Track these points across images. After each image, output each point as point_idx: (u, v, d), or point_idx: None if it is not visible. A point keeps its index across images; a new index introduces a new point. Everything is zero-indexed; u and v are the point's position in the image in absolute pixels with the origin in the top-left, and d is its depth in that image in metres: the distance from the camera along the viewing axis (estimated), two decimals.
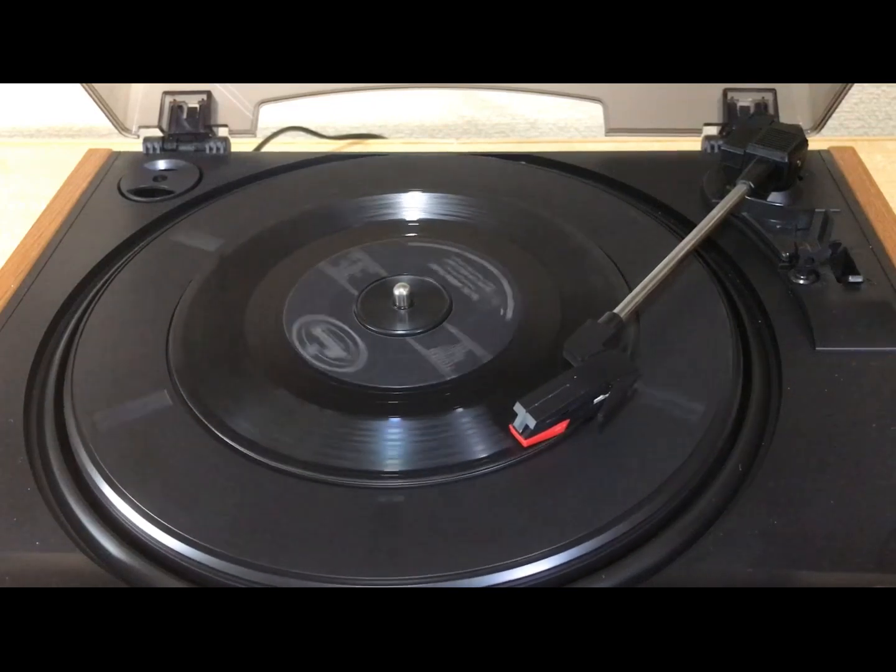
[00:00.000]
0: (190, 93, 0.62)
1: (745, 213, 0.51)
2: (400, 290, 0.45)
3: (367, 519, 0.35)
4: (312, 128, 0.78)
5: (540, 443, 0.38)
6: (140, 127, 0.63)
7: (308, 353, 0.44)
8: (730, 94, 0.60)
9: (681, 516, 0.35)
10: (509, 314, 0.46)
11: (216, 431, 0.39)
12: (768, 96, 0.60)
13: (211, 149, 0.62)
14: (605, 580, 0.33)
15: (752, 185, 0.50)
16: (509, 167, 0.59)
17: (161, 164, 0.61)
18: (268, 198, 0.57)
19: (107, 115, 0.61)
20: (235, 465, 0.38)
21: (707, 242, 0.49)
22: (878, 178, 0.56)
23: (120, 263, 0.51)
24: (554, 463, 0.37)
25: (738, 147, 0.52)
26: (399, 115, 0.86)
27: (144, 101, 0.63)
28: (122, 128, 0.63)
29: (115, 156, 0.62)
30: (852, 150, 0.59)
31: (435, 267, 0.49)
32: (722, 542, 0.34)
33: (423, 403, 0.41)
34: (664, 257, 0.45)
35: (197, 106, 0.62)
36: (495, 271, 0.49)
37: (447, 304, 0.46)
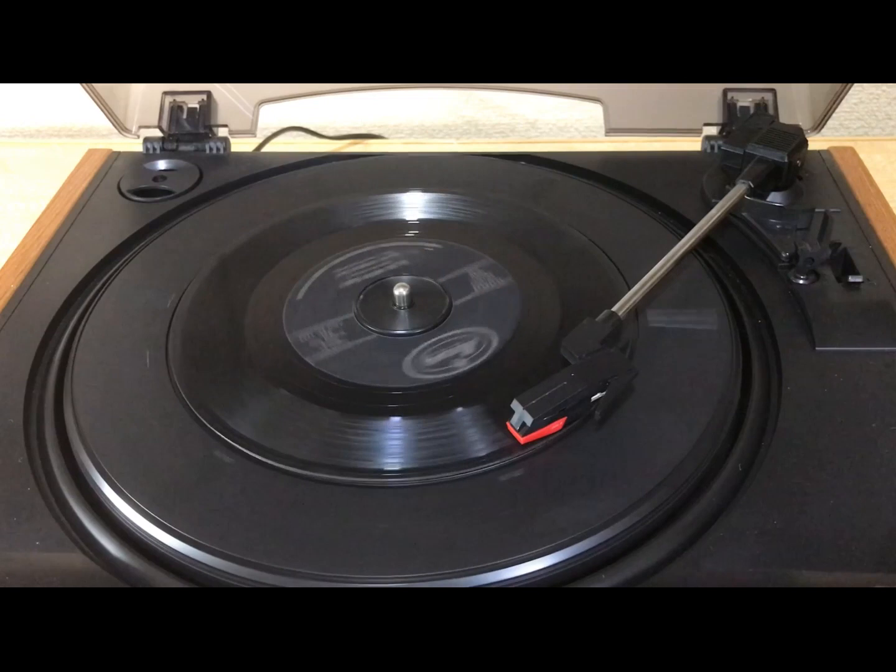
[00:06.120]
0: (190, 93, 0.62)
1: (744, 213, 0.51)
2: (400, 290, 0.45)
3: (367, 518, 0.35)
4: (312, 128, 0.78)
5: (539, 441, 0.38)
6: (140, 127, 0.63)
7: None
8: (730, 94, 0.60)
9: (681, 516, 0.35)
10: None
11: (216, 431, 0.39)
12: (768, 96, 0.60)
13: (211, 149, 0.62)
14: (605, 580, 0.33)
15: (752, 185, 0.50)
16: (509, 167, 0.59)
17: (161, 164, 0.61)
18: (268, 198, 0.57)
19: (107, 115, 0.61)
20: (235, 465, 0.38)
21: (707, 242, 0.49)
22: (878, 178, 0.56)
23: (120, 263, 0.51)
24: (553, 461, 0.37)
25: (738, 147, 0.52)
26: (399, 115, 0.86)
27: (144, 101, 0.63)
28: (122, 128, 0.63)
29: (115, 156, 0.62)
30: (852, 150, 0.59)
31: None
32: (722, 542, 0.34)
33: (423, 402, 0.41)
34: (663, 257, 0.45)
35: (197, 106, 0.62)
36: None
37: (447, 303, 0.46)
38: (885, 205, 0.53)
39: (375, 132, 0.83)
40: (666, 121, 0.62)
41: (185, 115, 0.62)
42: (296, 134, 0.77)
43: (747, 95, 0.60)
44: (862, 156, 0.59)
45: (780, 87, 0.60)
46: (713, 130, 0.61)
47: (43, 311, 0.47)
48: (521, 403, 0.37)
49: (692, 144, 0.62)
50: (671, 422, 0.39)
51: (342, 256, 0.50)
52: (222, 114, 0.63)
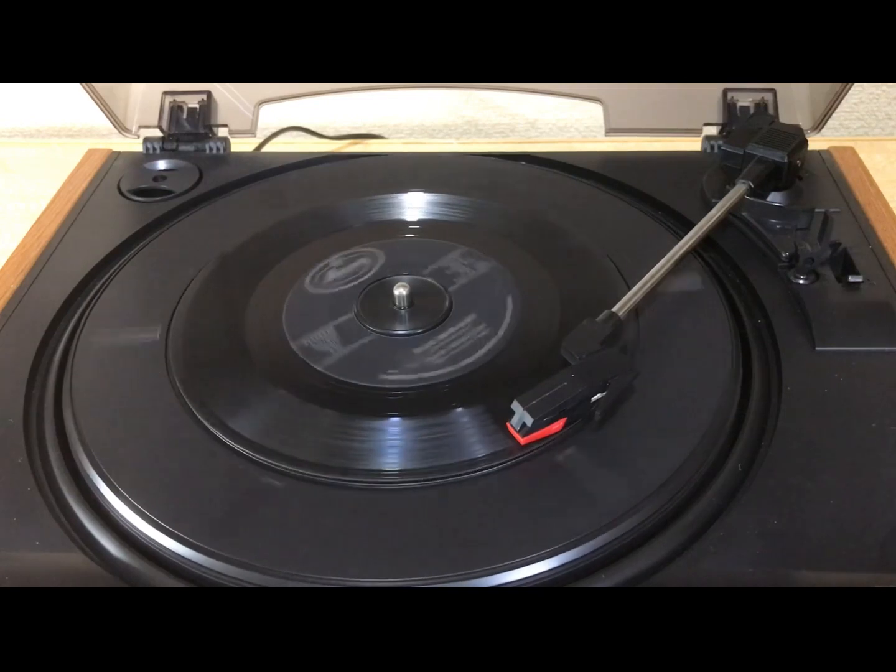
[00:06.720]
0: (190, 93, 0.62)
1: (744, 213, 0.51)
2: (400, 290, 0.45)
3: (367, 519, 0.35)
4: (312, 128, 0.78)
5: (539, 442, 0.38)
6: (140, 127, 0.63)
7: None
8: (730, 94, 0.60)
9: (681, 516, 0.35)
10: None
11: (216, 432, 0.39)
12: (768, 96, 0.60)
13: (211, 149, 0.62)
14: (605, 580, 0.33)
15: (752, 185, 0.50)
16: (509, 167, 0.59)
17: (161, 164, 0.61)
18: (268, 198, 0.57)
19: (107, 115, 0.61)
20: (235, 465, 0.38)
21: (707, 242, 0.49)
22: (878, 178, 0.56)
23: (120, 263, 0.51)
24: (553, 463, 0.37)
25: (738, 147, 0.52)
26: (399, 115, 0.86)
27: (144, 101, 0.63)
28: (122, 128, 0.63)
29: (115, 156, 0.62)
30: (852, 150, 0.59)
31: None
32: (722, 542, 0.34)
33: (423, 403, 0.40)
34: (663, 257, 0.45)
35: (197, 106, 0.62)
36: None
37: (447, 303, 0.46)
38: (885, 205, 0.53)
39: (375, 132, 0.83)
40: (666, 121, 0.62)
41: (185, 115, 0.62)
42: (296, 134, 0.77)
43: (747, 95, 0.60)
44: (862, 156, 0.59)
45: (780, 87, 0.60)
46: (713, 130, 0.61)
47: (43, 311, 0.47)
48: (522, 404, 0.37)
49: (692, 144, 0.62)
50: (671, 422, 0.39)
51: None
52: (222, 114, 0.63)
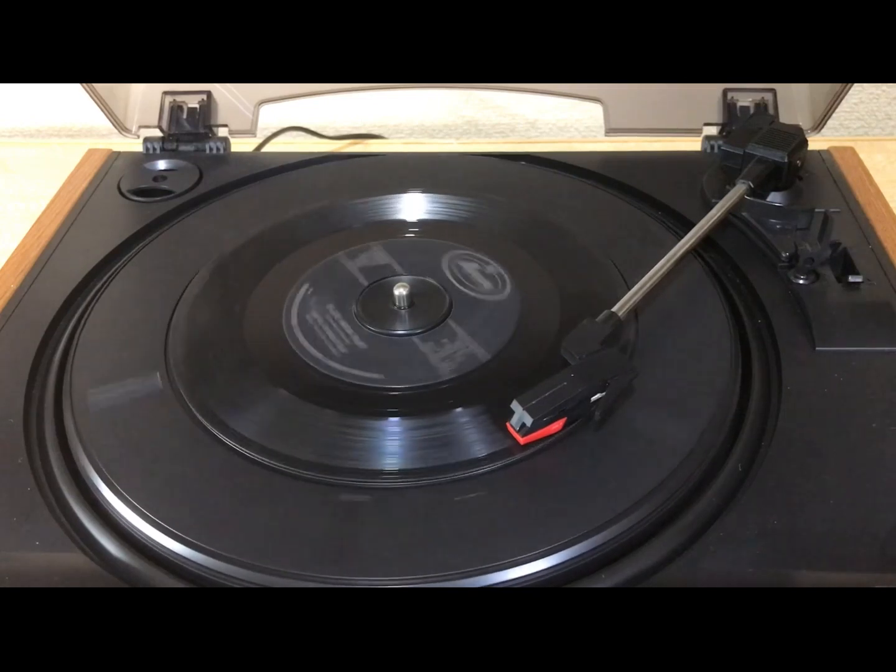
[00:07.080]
0: (190, 93, 0.62)
1: (744, 213, 0.51)
2: (400, 290, 0.45)
3: (366, 519, 0.35)
4: (312, 128, 0.78)
5: (538, 442, 0.38)
6: (140, 127, 0.63)
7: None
8: (730, 94, 0.60)
9: (681, 516, 0.35)
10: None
11: (215, 432, 0.39)
12: (768, 96, 0.60)
13: (211, 149, 0.62)
14: (605, 580, 0.33)
15: (752, 185, 0.50)
16: (509, 167, 0.59)
17: (161, 164, 0.61)
18: (268, 198, 0.57)
19: (107, 115, 0.61)
20: (234, 465, 0.38)
21: (707, 242, 0.49)
22: (878, 178, 0.56)
23: (120, 263, 0.51)
24: (553, 462, 0.37)
25: (738, 147, 0.52)
26: (399, 115, 0.86)
27: (144, 101, 0.63)
28: (122, 128, 0.63)
29: (115, 156, 0.62)
30: (852, 150, 0.59)
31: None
32: (722, 542, 0.34)
33: (423, 403, 0.41)
34: (663, 257, 0.45)
35: (197, 106, 0.62)
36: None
37: (447, 303, 0.46)
38: (885, 205, 0.53)
39: (375, 132, 0.83)
40: (666, 121, 0.62)
41: (185, 115, 0.62)
42: (296, 134, 0.77)
43: (747, 95, 0.60)
44: (862, 156, 0.59)
45: (780, 87, 0.60)
46: (713, 130, 0.61)
47: (43, 311, 0.47)
48: (521, 404, 0.37)
49: (692, 144, 0.62)
50: (671, 422, 0.39)
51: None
52: (222, 114, 0.63)
